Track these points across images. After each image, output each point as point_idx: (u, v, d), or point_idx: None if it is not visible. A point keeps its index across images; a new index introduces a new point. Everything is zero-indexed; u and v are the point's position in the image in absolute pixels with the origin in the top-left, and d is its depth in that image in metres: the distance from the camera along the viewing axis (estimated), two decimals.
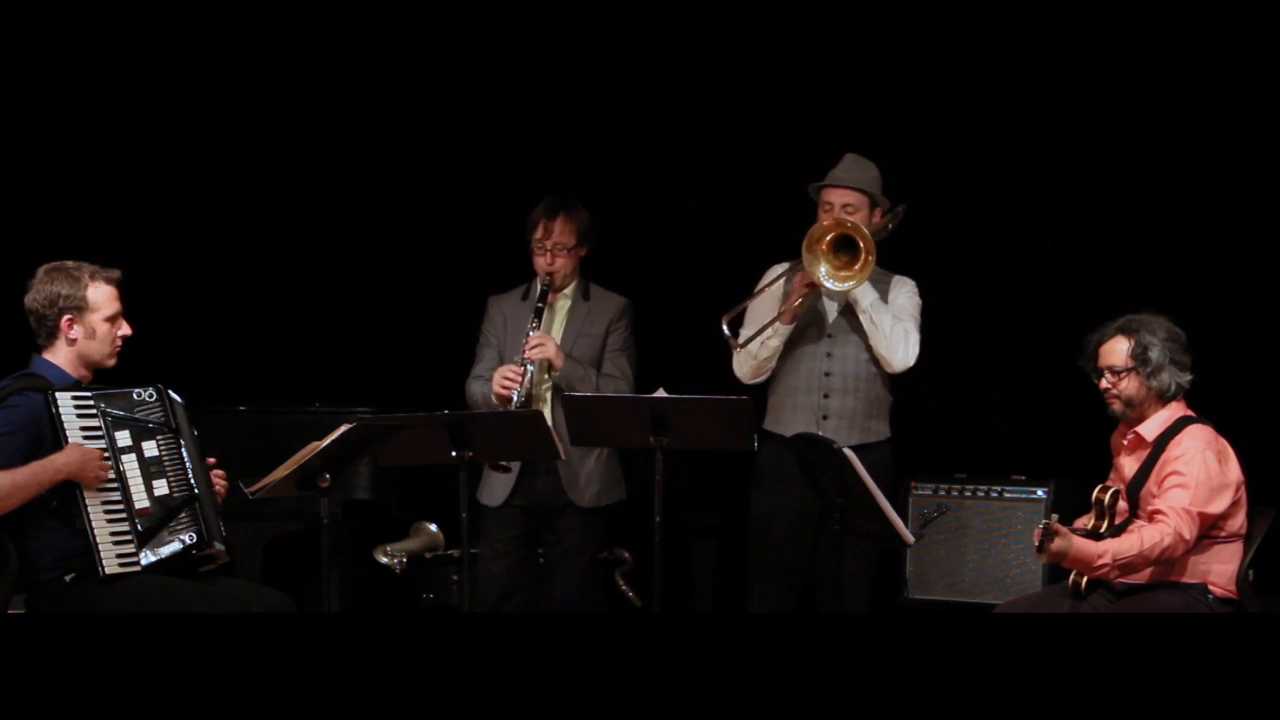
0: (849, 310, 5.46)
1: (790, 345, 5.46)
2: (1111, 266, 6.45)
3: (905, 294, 5.53)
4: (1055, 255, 6.55)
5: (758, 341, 5.42)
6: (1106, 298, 6.23)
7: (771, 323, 5.41)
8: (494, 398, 5.39)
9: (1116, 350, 4.87)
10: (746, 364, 5.49)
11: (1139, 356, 4.83)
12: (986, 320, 6.66)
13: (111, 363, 4.74)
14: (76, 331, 4.67)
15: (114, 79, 6.88)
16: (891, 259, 6.66)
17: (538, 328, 5.42)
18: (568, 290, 5.60)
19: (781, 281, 5.51)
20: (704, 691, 3.69)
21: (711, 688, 3.70)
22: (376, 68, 6.92)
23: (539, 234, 5.49)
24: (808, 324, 5.46)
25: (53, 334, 4.68)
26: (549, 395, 5.48)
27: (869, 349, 5.43)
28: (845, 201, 5.43)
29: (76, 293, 4.66)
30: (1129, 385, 4.85)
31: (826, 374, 5.44)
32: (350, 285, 7.10)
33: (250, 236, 7.05)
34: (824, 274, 5.30)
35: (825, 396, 5.42)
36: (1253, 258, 6.28)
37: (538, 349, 5.38)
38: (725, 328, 5.40)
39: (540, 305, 5.46)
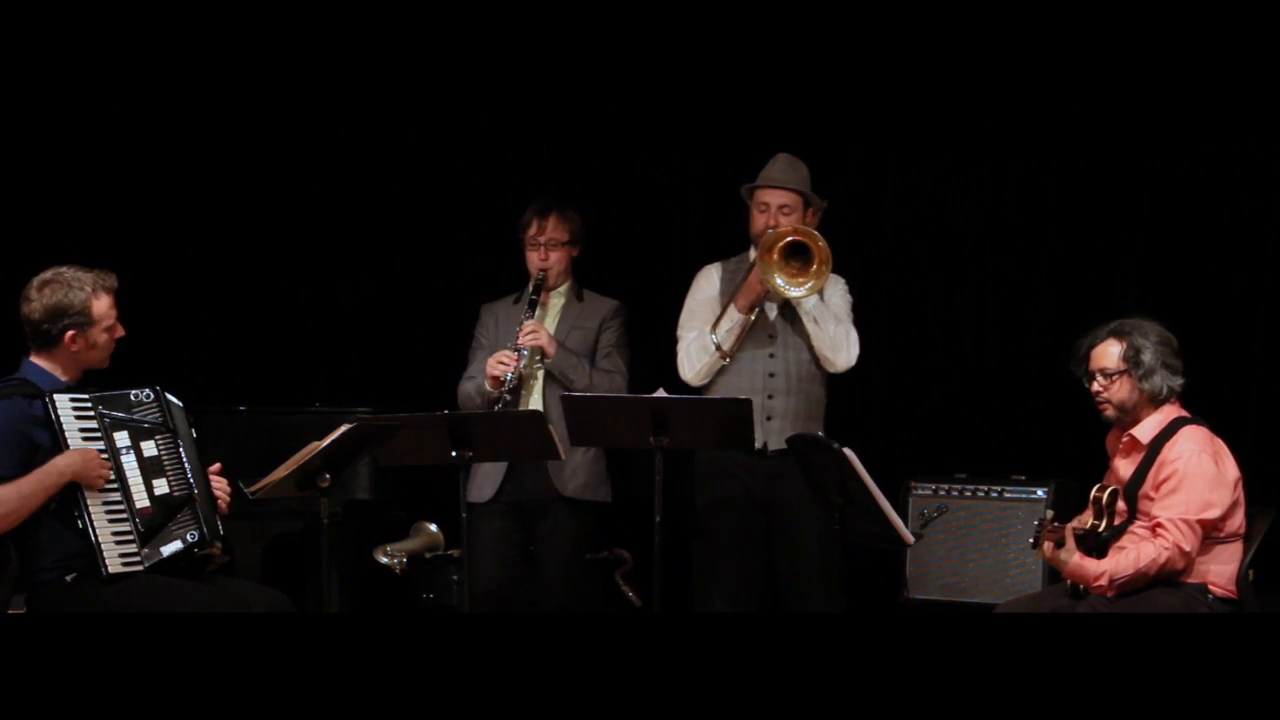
0: (789, 311, 5.41)
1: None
2: (1111, 266, 6.45)
3: (839, 293, 5.48)
4: (1055, 255, 6.55)
5: (713, 339, 5.36)
6: (1106, 297, 6.25)
7: (721, 317, 5.35)
8: (487, 381, 5.42)
9: (1108, 353, 4.85)
10: (701, 361, 5.40)
11: (1131, 359, 4.81)
12: (986, 320, 6.66)
13: (105, 365, 4.74)
14: (79, 345, 4.66)
15: (115, 79, 6.87)
16: (890, 257, 6.68)
17: (531, 318, 5.44)
18: (561, 289, 5.63)
19: (718, 282, 5.48)
20: (704, 692, 3.70)
21: (711, 688, 3.70)
22: (375, 71, 6.92)
23: (532, 230, 5.56)
24: (752, 325, 5.41)
25: (53, 343, 4.65)
26: (540, 378, 5.49)
27: (811, 350, 5.40)
28: (782, 203, 5.39)
29: (82, 307, 4.64)
30: (1121, 388, 4.84)
31: (771, 375, 5.40)
32: (350, 286, 7.09)
33: (250, 236, 7.05)
34: (782, 283, 5.24)
35: (770, 397, 5.38)
36: (1252, 257, 6.29)
37: (530, 336, 5.41)
38: (712, 340, 5.34)
39: (534, 298, 5.50)
